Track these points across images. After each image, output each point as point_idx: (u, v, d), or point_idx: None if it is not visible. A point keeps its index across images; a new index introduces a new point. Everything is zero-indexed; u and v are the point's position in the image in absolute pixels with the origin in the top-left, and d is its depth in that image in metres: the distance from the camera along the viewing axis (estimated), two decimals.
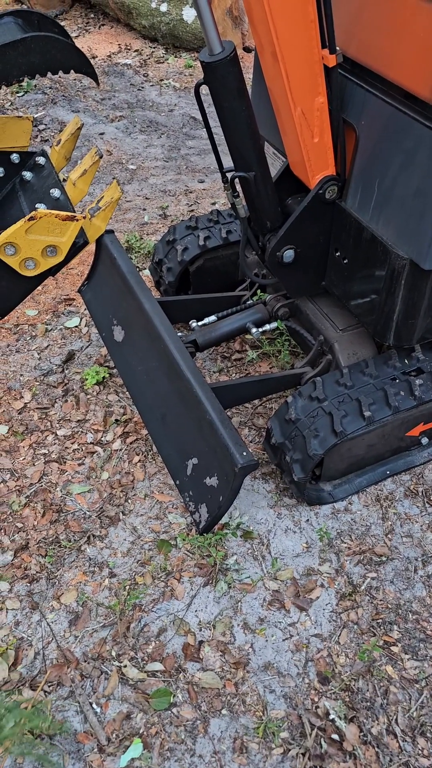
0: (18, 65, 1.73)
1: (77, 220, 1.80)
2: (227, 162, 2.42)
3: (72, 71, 1.83)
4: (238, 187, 2.47)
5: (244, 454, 2.23)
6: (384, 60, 2.19)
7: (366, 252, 2.39)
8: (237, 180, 2.40)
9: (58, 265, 1.92)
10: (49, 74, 1.78)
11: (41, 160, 2.29)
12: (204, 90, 2.21)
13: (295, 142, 2.30)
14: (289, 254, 2.56)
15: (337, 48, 2.08)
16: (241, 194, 2.49)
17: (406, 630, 2.28)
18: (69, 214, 1.79)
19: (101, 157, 2.04)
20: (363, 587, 2.40)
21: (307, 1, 1.94)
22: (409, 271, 2.25)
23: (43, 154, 2.31)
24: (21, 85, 5.85)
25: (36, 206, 2.11)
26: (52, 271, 1.94)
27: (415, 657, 2.21)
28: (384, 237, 2.28)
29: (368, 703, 2.09)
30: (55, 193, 2.11)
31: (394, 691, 2.12)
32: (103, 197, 2.04)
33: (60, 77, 6.09)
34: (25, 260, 1.85)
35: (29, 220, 1.75)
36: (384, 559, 2.49)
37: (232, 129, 2.23)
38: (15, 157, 2.27)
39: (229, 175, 2.41)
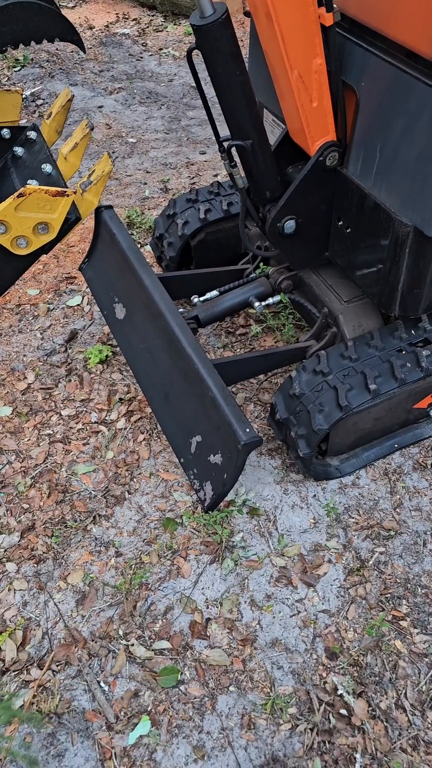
0: (1, 34, 1.66)
1: (68, 196, 1.75)
2: (224, 131, 2.34)
3: (57, 39, 1.76)
4: (236, 157, 2.40)
5: (247, 430, 2.20)
6: (384, 17, 2.09)
7: (369, 220, 2.32)
8: (234, 149, 2.32)
9: (51, 242, 1.87)
10: (34, 44, 1.71)
11: (32, 134, 2.23)
12: (198, 56, 2.12)
13: (293, 107, 2.22)
14: (290, 225, 2.49)
15: (335, 6, 1.98)
16: (239, 164, 2.42)
17: (414, 604, 2.26)
18: (59, 189, 1.74)
19: (92, 129, 1.97)
20: (371, 562, 2.38)
21: None
22: (414, 238, 2.18)
23: (35, 128, 2.24)
24: (17, 59, 5.74)
25: (27, 182, 2.06)
26: (45, 249, 1.89)
27: (424, 631, 2.19)
28: (387, 204, 2.21)
29: (377, 678, 2.08)
30: (47, 168, 2.05)
31: (402, 666, 2.11)
32: (94, 171, 1.98)
33: (57, 49, 5.95)
34: (17, 238, 1.80)
35: (18, 197, 1.70)
36: (392, 533, 2.46)
37: (227, 95, 2.15)
38: (5, 132, 2.21)
39: (225, 144, 2.33)
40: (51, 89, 5.45)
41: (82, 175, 4.34)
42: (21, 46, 1.70)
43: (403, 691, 2.05)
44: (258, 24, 2.09)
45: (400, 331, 2.57)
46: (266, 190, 2.47)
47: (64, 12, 6.99)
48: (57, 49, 6.09)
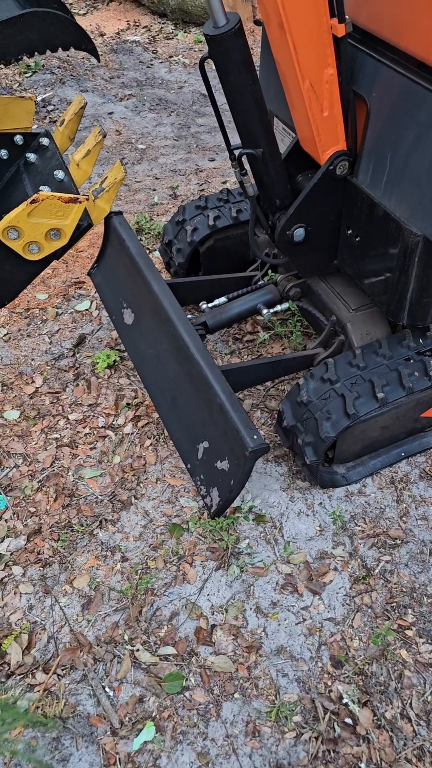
0: (16, 43, 1.68)
1: (80, 202, 1.77)
2: (235, 139, 2.36)
3: (72, 48, 1.78)
4: (246, 165, 2.41)
5: (255, 437, 2.20)
6: (396, 28, 2.11)
7: (378, 229, 2.33)
8: (245, 157, 2.34)
9: (62, 248, 1.89)
10: (49, 52, 1.73)
11: (45, 141, 2.25)
12: (210, 65, 2.14)
13: (304, 116, 2.23)
14: (299, 233, 2.50)
15: (347, 17, 2.00)
16: (249, 172, 2.43)
17: (420, 614, 2.25)
18: (72, 196, 1.75)
19: (105, 136, 1.99)
20: (377, 571, 2.38)
21: None
22: (423, 248, 2.19)
23: (47, 134, 2.26)
24: (29, 66, 5.78)
25: (40, 188, 2.08)
26: (57, 255, 1.91)
27: (430, 641, 2.18)
28: (397, 213, 2.22)
29: (382, 687, 2.07)
30: (59, 174, 2.07)
31: (408, 675, 2.10)
32: (106, 178, 2.00)
33: (68, 56, 6.00)
34: (29, 244, 1.81)
35: (31, 203, 1.72)
36: (398, 542, 2.46)
37: (238, 104, 2.16)
38: (18, 139, 2.23)
39: (236, 152, 2.35)
40: (62, 95, 5.49)
41: (93, 181, 4.37)
42: (36, 54, 1.72)
43: (409, 701, 2.04)
44: (270, 33, 2.10)
45: (408, 339, 2.57)
46: (276, 198, 2.48)
47: (75, 19, 7.06)
48: (68, 56, 6.13)
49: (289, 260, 2.70)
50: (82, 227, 1.88)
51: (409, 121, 2.09)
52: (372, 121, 2.23)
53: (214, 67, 2.09)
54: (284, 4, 1.91)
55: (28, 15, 1.66)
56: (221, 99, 2.31)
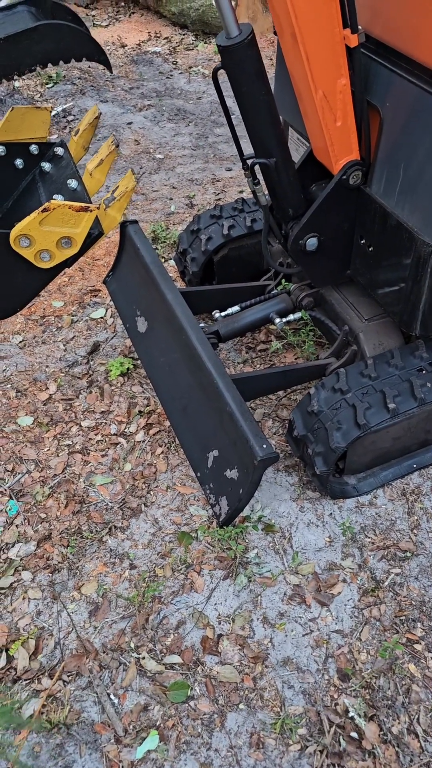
0: (31, 54, 1.71)
1: (91, 211, 1.78)
2: (248, 149, 2.37)
3: (84, 59, 1.80)
4: (259, 175, 2.42)
5: (264, 446, 2.20)
6: (410, 39, 2.11)
7: (391, 239, 2.32)
8: (257, 167, 2.35)
9: (73, 256, 1.91)
10: (62, 63, 1.76)
11: (60, 150, 2.28)
12: (223, 76, 2.16)
13: (318, 126, 2.24)
14: (312, 242, 2.50)
15: (360, 27, 2.00)
16: (262, 181, 2.44)
17: (430, 627, 2.22)
18: (83, 205, 1.77)
19: (117, 146, 2.01)
20: (386, 583, 2.35)
21: None
22: None
23: (62, 144, 2.29)
24: (50, 77, 5.87)
25: (53, 197, 2.11)
26: (68, 263, 1.93)
27: None
28: (409, 223, 2.21)
29: (389, 702, 2.04)
30: (72, 183, 2.10)
31: (416, 690, 2.07)
32: (117, 187, 2.02)
33: (89, 67, 6.08)
34: (40, 252, 1.84)
35: (43, 211, 1.74)
36: (409, 554, 2.43)
37: (251, 114, 2.18)
38: (34, 148, 2.26)
39: (249, 161, 2.36)
40: (82, 105, 5.56)
41: (108, 190, 4.42)
42: (49, 65, 1.75)
43: (416, 716, 2.01)
44: (283, 44, 2.12)
45: (421, 350, 2.55)
46: (289, 207, 2.49)
47: (98, 30, 7.15)
48: (89, 67, 6.21)
49: (301, 269, 2.70)
50: (93, 236, 1.90)
51: (422, 132, 2.08)
52: (385, 131, 2.23)
53: (227, 78, 2.10)
54: (297, 15, 1.92)
55: (42, 27, 1.69)
56: (234, 109, 2.32)
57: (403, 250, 2.27)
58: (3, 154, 2.21)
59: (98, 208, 1.82)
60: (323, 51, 2.02)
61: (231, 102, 2.23)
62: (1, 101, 5.51)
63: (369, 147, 2.31)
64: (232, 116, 2.32)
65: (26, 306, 2.01)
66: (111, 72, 2.02)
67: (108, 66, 1.88)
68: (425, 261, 2.20)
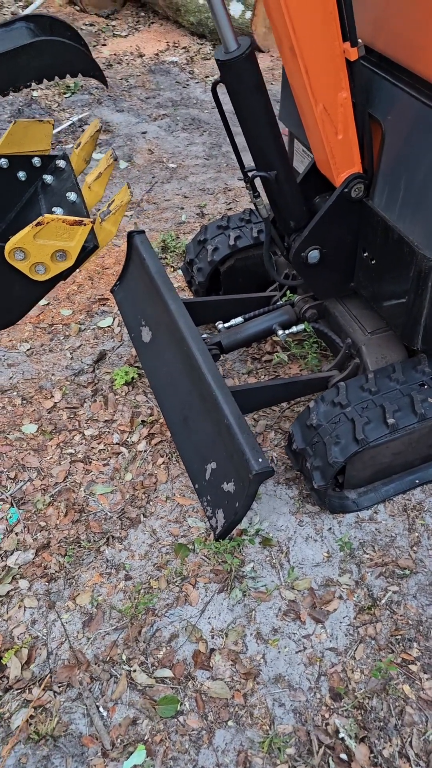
0: (27, 69, 1.73)
1: (85, 225, 1.79)
2: (249, 161, 2.37)
3: (80, 75, 1.82)
4: (260, 187, 2.42)
5: (260, 460, 2.18)
6: (412, 53, 2.09)
7: (393, 253, 2.30)
8: (258, 179, 2.34)
9: (68, 269, 1.92)
10: (57, 78, 1.78)
11: (62, 163, 2.29)
12: (223, 88, 2.16)
13: (319, 139, 2.23)
14: (314, 255, 2.49)
15: (359, 40, 1.99)
16: (263, 194, 2.44)
17: (426, 648, 2.18)
18: (76, 219, 1.78)
19: (116, 159, 2.02)
20: (383, 601, 2.32)
21: None
22: None
23: (64, 157, 2.31)
24: (68, 87, 5.94)
25: (53, 209, 2.12)
26: (64, 275, 1.94)
27: None
28: (410, 237, 2.19)
29: (381, 723, 2.01)
30: (71, 196, 2.11)
31: (410, 712, 2.03)
32: (113, 201, 2.03)
33: (107, 77, 6.14)
34: (35, 265, 1.85)
35: (37, 225, 1.75)
36: (407, 572, 2.39)
37: (250, 127, 2.18)
38: (36, 161, 2.28)
39: (250, 174, 2.36)
40: (98, 115, 5.61)
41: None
42: (44, 80, 1.77)
43: (409, 739, 1.98)
44: (283, 57, 2.11)
45: (424, 364, 2.52)
46: (290, 219, 2.48)
47: (117, 40, 7.22)
48: (107, 77, 6.27)
49: (304, 282, 2.69)
50: (88, 249, 1.91)
51: (422, 146, 2.06)
52: (387, 144, 2.22)
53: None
54: (295, 29, 1.91)
55: (38, 43, 1.71)
56: (234, 120, 2.31)
57: (404, 264, 2.25)
58: (6, 166, 2.24)
59: (93, 222, 1.83)
60: (322, 64, 2.02)
61: (232, 115, 2.23)
62: (20, 111, 5.58)
63: (372, 160, 2.29)
64: (232, 128, 2.32)
65: (22, 317, 2.03)
66: (106, 87, 2.04)
67: (103, 81, 1.89)
68: (426, 275, 2.18)
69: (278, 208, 2.45)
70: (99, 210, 2.06)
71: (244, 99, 2.09)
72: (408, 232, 2.20)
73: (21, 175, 2.29)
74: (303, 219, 2.49)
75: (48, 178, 2.30)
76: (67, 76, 1.79)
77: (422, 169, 2.09)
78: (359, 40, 1.99)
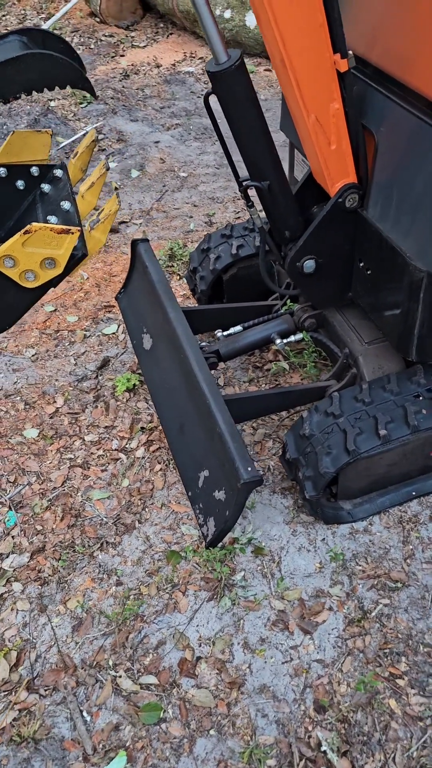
0: (15, 82, 1.77)
1: (72, 233, 1.82)
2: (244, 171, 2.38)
3: (68, 86, 1.86)
4: (254, 197, 2.43)
5: (249, 469, 2.18)
6: (406, 67, 2.09)
7: (387, 263, 2.29)
8: (252, 189, 2.36)
9: (58, 276, 1.95)
10: (47, 90, 1.81)
11: (59, 172, 2.33)
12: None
13: (313, 149, 2.23)
14: (309, 264, 2.49)
15: (350, 52, 2.00)
16: (256, 204, 2.45)
17: (414, 663, 2.16)
18: (64, 227, 1.81)
19: (108, 170, 2.05)
20: (374, 614, 2.30)
21: (315, 6, 1.88)
22: (428, 284, 2.14)
23: (62, 166, 2.35)
24: (84, 96, 6.03)
25: (47, 218, 2.16)
26: (53, 283, 1.97)
27: (422, 693, 2.09)
28: (403, 248, 2.18)
29: (365, 738, 1.99)
30: (65, 205, 2.14)
31: (395, 728, 2.01)
32: (102, 210, 2.06)
33: (123, 87, 6.22)
34: (25, 272, 1.88)
35: (25, 233, 1.79)
36: (399, 585, 2.37)
37: (243, 138, 2.19)
38: (35, 170, 2.32)
39: (244, 183, 2.37)
40: (112, 125, 5.68)
41: (133, 208, 4.50)
42: (33, 92, 1.80)
43: (392, 755, 1.95)
44: (275, 69, 2.13)
45: (419, 376, 2.50)
46: (285, 229, 2.48)
47: (135, 51, 7.32)
48: (123, 87, 6.36)
49: (300, 291, 2.69)
50: (77, 257, 1.94)
51: (414, 158, 2.06)
52: (379, 155, 2.22)
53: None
54: (285, 42, 1.93)
55: (26, 56, 1.75)
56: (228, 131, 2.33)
57: (397, 274, 2.24)
58: (5, 175, 2.28)
59: (80, 230, 1.86)
60: (313, 76, 2.02)
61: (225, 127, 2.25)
62: (36, 120, 5.68)
63: (366, 170, 2.29)
64: (226, 139, 2.34)
65: (13, 325, 2.06)
66: (95, 98, 2.07)
67: (91, 92, 1.93)
68: (418, 287, 2.17)
69: (273, 218, 2.46)
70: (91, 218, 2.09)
71: (235, 110, 2.11)
72: (401, 243, 2.20)
73: (20, 183, 2.33)
74: (298, 229, 2.49)
75: (45, 187, 2.34)
76: (56, 87, 1.83)
77: (413, 182, 2.08)
78: (350, 52, 2.00)
